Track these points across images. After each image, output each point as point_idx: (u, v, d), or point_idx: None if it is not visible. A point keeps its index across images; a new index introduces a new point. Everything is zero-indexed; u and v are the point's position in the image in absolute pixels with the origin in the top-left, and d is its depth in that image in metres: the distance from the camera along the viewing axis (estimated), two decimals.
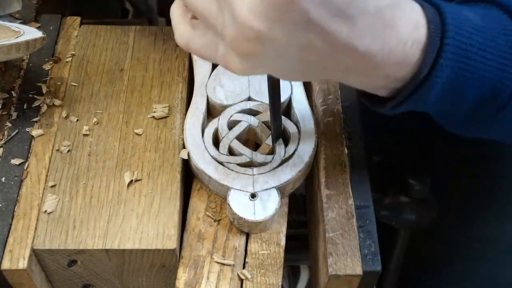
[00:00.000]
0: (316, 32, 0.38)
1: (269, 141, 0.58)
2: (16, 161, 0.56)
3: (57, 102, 0.61)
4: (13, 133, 0.59)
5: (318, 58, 0.40)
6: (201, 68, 0.63)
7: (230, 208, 0.54)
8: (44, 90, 0.62)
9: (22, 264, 0.50)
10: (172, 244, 0.52)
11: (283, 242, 0.55)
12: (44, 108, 0.61)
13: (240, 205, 0.54)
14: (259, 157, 0.57)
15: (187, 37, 0.44)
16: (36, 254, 0.52)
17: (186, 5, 0.43)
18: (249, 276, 0.53)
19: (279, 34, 0.37)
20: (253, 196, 0.55)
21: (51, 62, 0.65)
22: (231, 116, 0.60)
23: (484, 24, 0.43)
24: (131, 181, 0.56)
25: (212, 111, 0.62)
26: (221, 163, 0.57)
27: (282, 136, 0.59)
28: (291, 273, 1.09)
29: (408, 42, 0.41)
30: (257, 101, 0.61)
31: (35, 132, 0.59)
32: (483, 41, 0.43)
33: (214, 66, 0.64)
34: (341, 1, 0.37)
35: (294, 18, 0.37)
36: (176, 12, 0.45)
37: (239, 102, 0.61)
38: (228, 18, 0.38)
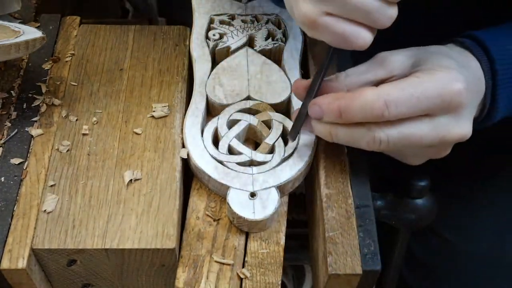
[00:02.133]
0: None
1: (268, 140, 0.58)
2: (15, 161, 0.56)
3: (56, 101, 0.61)
4: (13, 133, 0.59)
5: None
6: (200, 67, 0.63)
7: (230, 207, 0.54)
8: (44, 89, 0.62)
9: (22, 263, 0.50)
10: (172, 243, 0.52)
11: (282, 241, 0.55)
12: (44, 107, 0.61)
13: (239, 204, 0.54)
14: (258, 156, 0.57)
15: None
16: (36, 254, 0.52)
17: None
18: (248, 275, 0.53)
19: None
20: (252, 195, 0.55)
21: (51, 62, 0.65)
22: (230, 115, 0.60)
23: None
24: (131, 180, 0.56)
25: (211, 110, 0.62)
26: (220, 162, 0.57)
27: (281, 135, 0.59)
28: (295, 275, 1.08)
29: (482, 97, 0.54)
30: (257, 100, 0.61)
31: (34, 131, 0.59)
32: None
33: (214, 65, 0.64)
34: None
35: None
36: None
37: (238, 101, 0.61)
38: None
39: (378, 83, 0.53)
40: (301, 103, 0.55)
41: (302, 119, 0.55)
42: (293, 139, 0.57)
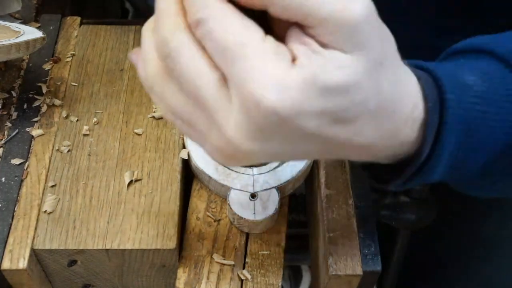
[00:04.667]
0: (313, 141, 0.35)
1: None
2: (16, 161, 0.57)
3: (57, 102, 0.61)
4: (13, 133, 0.59)
5: (314, 155, 0.39)
6: None
7: (230, 208, 0.54)
8: (44, 90, 0.62)
9: (22, 264, 0.50)
10: (172, 244, 0.52)
11: (283, 242, 0.55)
12: (44, 108, 0.61)
13: (240, 205, 0.54)
14: None
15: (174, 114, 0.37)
16: (36, 254, 0.52)
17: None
18: (249, 277, 0.53)
19: (271, 149, 0.35)
20: (253, 196, 0.55)
21: (51, 62, 0.65)
22: None
23: (485, 89, 0.40)
24: (131, 181, 0.56)
25: None
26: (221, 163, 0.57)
27: None
28: (292, 275, 1.08)
29: (408, 122, 0.38)
30: None
31: (35, 132, 0.59)
32: (486, 109, 0.40)
33: None
34: (339, 108, 0.34)
35: (288, 134, 0.34)
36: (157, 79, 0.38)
37: None
38: (214, 128, 0.35)
39: None
40: None
41: None
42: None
